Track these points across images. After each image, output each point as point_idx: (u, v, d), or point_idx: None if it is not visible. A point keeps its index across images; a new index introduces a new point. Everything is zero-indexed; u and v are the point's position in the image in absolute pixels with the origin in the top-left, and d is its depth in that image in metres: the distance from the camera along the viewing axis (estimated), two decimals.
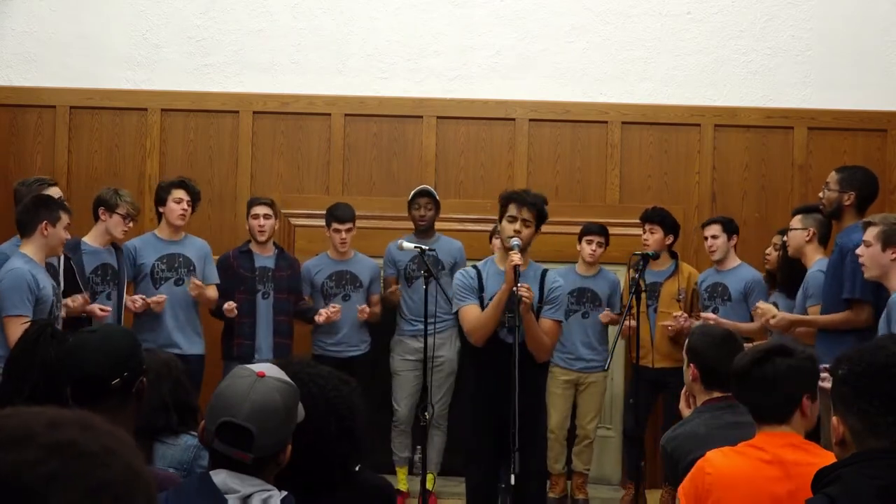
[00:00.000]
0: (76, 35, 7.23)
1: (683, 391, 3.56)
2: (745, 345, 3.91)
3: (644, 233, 6.41)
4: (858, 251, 4.65)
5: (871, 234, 4.58)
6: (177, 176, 6.47)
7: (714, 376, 3.38)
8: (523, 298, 4.66)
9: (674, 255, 6.53)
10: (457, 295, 4.95)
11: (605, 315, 6.44)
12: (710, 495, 2.75)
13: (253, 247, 6.38)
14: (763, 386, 2.81)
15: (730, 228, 6.34)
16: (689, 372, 3.45)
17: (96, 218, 5.79)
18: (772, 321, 5.13)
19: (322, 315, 6.25)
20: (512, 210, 4.85)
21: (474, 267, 5.04)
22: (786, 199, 6.98)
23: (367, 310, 6.41)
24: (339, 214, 6.43)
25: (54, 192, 5.48)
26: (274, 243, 6.46)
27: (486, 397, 4.74)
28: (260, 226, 6.32)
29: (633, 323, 5.73)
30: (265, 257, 6.38)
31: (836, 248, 5.02)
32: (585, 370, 6.47)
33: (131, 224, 5.86)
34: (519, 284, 4.66)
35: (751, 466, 2.75)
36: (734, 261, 6.34)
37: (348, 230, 6.41)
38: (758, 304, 5.46)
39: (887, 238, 4.50)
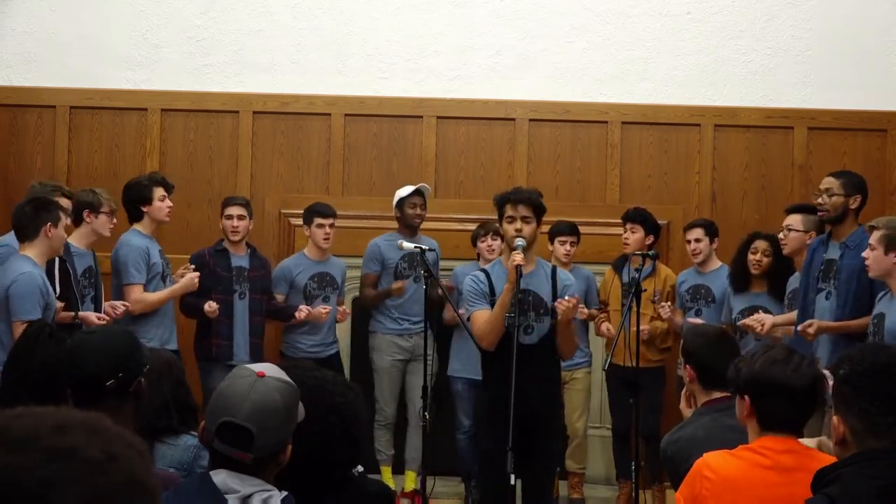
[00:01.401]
0: (76, 35, 7.22)
1: (684, 391, 3.56)
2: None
3: (625, 232, 6.42)
4: (864, 254, 4.69)
5: (874, 237, 4.65)
6: (150, 173, 6.39)
7: (711, 376, 3.35)
8: (562, 312, 4.72)
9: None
10: (468, 300, 4.92)
11: (582, 311, 6.41)
12: (707, 500, 2.73)
13: (228, 246, 6.36)
14: (812, 401, 2.74)
15: (711, 231, 6.39)
16: (687, 373, 3.44)
17: (78, 221, 5.69)
18: (810, 329, 5.03)
19: (303, 311, 6.27)
20: (509, 210, 4.84)
21: (483, 270, 5.03)
22: (786, 199, 6.97)
23: (348, 312, 6.53)
24: (321, 210, 6.48)
25: (65, 203, 5.42)
26: (246, 242, 6.44)
27: (502, 396, 4.70)
28: (234, 227, 6.29)
29: (609, 326, 5.73)
30: (240, 257, 6.37)
31: (859, 251, 4.97)
32: (568, 368, 6.46)
33: (115, 221, 5.82)
34: (564, 299, 4.73)
35: (750, 471, 2.73)
36: (715, 263, 6.39)
37: (331, 226, 6.46)
38: (799, 328, 5.33)
39: (890, 242, 4.54)
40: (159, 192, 6.00)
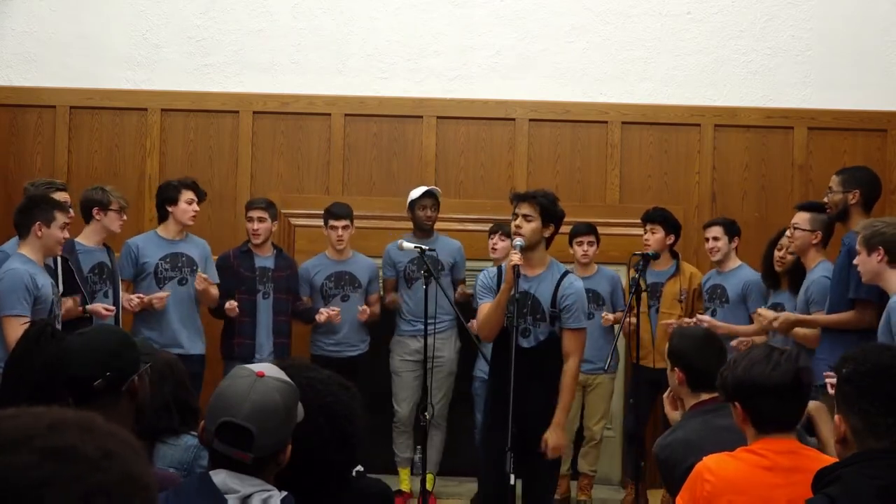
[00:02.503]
0: (76, 35, 7.22)
1: (667, 395, 3.54)
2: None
3: (645, 233, 6.40)
4: (855, 261, 4.71)
5: (858, 242, 4.67)
6: (184, 176, 6.46)
7: (700, 378, 3.34)
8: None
9: (675, 256, 6.52)
10: (477, 294, 5.05)
11: (605, 318, 6.41)
12: (710, 501, 2.73)
13: (252, 247, 6.42)
14: (798, 396, 2.76)
15: (732, 231, 6.32)
16: (675, 376, 3.43)
17: (88, 219, 5.82)
18: (775, 324, 5.11)
19: (323, 314, 6.28)
20: (514, 208, 4.86)
21: (498, 267, 5.07)
22: (786, 199, 6.98)
23: (368, 310, 6.45)
24: (335, 211, 6.48)
25: (63, 196, 5.50)
26: (272, 244, 6.49)
27: (500, 398, 4.68)
28: (254, 229, 6.35)
29: (633, 321, 5.71)
30: (264, 258, 6.42)
31: (843, 248, 5.02)
32: (594, 371, 6.42)
33: (125, 217, 5.91)
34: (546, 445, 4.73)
35: (751, 473, 2.73)
36: (734, 262, 6.33)
37: (345, 227, 6.44)
38: (758, 311, 5.44)
39: (868, 242, 4.58)
40: (187, 195, 6.13)
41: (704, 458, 2.81)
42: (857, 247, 4.65)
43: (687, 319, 6.17)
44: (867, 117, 7.11)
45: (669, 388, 3.53)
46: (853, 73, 7.13)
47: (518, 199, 4.87)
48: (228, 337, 6.35)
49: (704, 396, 3.34)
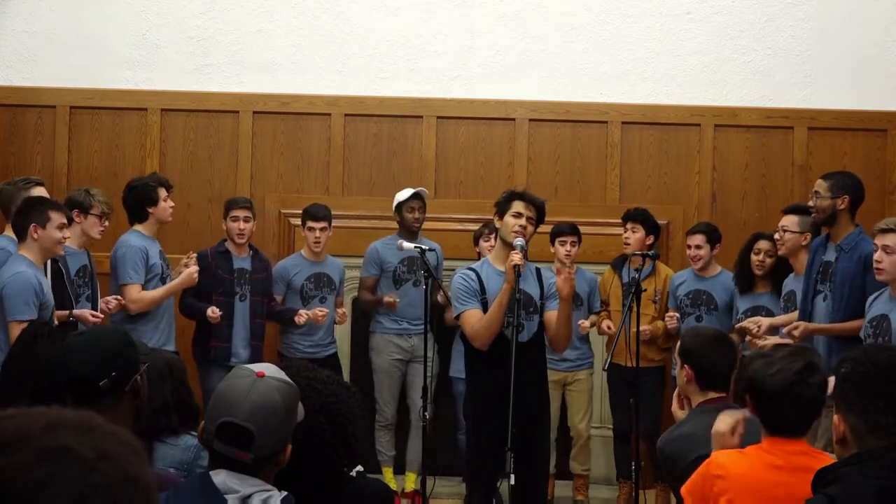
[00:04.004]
0: (76, 35, 7.22)
1: (676, 393, 3.54)
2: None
3: (625, 232, 6.40)
4: (877, 256, 4.66)
5: (892, 239, 4.59)
6: (151, 173, 6.39)
7: (709, 377, 3.34)
8: (563, 287, 4.68)
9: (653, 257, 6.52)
10: (458, 299, 4.88)
11: (583, 326, 6.38)
12: (720, 497, 2.73)
13: (230, 247, 6.33)
14: (797, 406, 2.74)
15: (713, 238, 6.33)
16: (684, 374, 3.42)
17: (69, 220, 5.48)
18: (795, 332, 5.07)
19: (303, 316, 6.26)
20: (519, 207, 4.84)
21: (472, 269, 5.00)
22: (786, 199, 6.96)
23: (346, 313, 6.55)
24: (313, 212, 6.46)
25: (40, 191, 5.37)
26: (249, 244, 6.41)
27: (495, 396, 4.66)
28: (240, 229, 6.26)
29: (629, 324, 5.72)
30: (242, 259, 6.33)
31: (852, 256, 5.00)
32: (570, 369, 6.47)
33: (107, 223, 5.76)
34: (565, 270, 4.73)
35: (762, 470, 2.72)
36: (715, 268, 6.35)
37: (322, 229, 6.43)
38: (796, 327, 5.38)
39: None
40: (163, 192, 6.00)
41: (712, 454, 2.81)
42: (892, 244, 4.58)
43: (671, 315, 6.23)
44: (867, 117, 7.11)
45: (679, 387, 3.52)
46: (853, 73, 7.13)
47: (530, 201, 4.87)
48: (204, 340, 6.23)
49: (712, 395, 3.34)
